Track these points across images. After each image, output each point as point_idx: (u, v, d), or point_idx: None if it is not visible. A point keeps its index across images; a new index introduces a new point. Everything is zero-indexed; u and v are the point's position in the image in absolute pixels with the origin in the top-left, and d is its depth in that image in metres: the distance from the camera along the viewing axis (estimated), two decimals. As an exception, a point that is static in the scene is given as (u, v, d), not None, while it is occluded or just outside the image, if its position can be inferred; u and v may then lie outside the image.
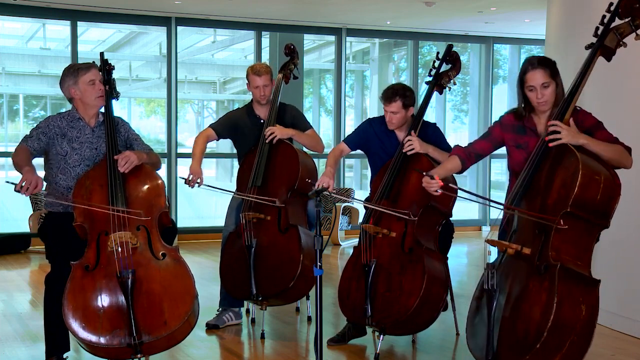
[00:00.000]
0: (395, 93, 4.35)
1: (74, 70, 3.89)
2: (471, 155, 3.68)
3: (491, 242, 3.37)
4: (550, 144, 3.26)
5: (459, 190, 3.95)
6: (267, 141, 4.72)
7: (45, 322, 3.82)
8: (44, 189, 3.75)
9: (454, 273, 4.81)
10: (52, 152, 3.88)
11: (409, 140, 4.27)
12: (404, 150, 4.29)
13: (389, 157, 4.40)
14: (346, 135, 4.65)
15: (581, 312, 3.04)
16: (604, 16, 3.35)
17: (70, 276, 3.58)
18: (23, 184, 3.48)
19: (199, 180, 4.60)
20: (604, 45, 3.34)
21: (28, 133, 3.86)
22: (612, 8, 3.33)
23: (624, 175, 4.82)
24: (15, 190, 3.51)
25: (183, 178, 4.64)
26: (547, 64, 3.45)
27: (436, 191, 3.51)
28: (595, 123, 3.42)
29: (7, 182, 3.56)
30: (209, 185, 4.67)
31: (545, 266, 3.11)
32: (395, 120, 4.39)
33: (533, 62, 3.44)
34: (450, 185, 3.47)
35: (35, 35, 11.41)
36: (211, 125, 4.93)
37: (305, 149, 5.13)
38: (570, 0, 5.78)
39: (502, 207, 3.37)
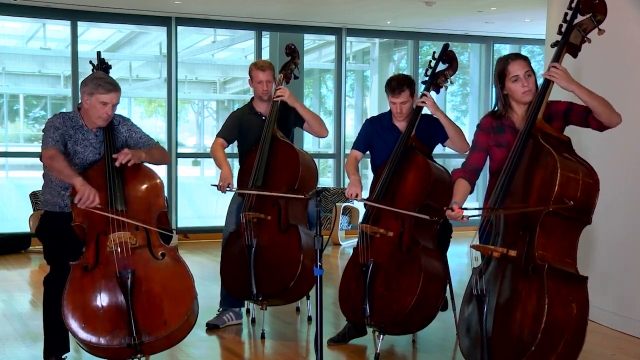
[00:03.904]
0: (403, 83, 4.40)
1: (95, 85, 3.76)
2: (472, 172, 3.66)
3: (476, 248, 3.37)
4: (544, 75, 3.35)
5: (475, 209, 3.89)
6: (275, 99, 4.77)
7: (45, 323, 3.82)
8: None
9: (454, 273, 4.82)
10: None
11: (424, 96, 4.31)
12: (417, 104, 4.34)
13: (391, 150, 4.40)
14: (353, 143, 4.69)
15: (572, 310, 3.04)
16: (566, 13, 3.40)
17: (70, 276, 3.58)
18: (82, 196, 3.52)
19: (229, 186, 4.65)
20: (569, 42, 3.39)
21: (50, 135, 3.73)
22: (573, 5, 3.38)
23: (623, 177, 4.84)
24: (72, 202, 3.59)
25: (215, 185, 4.70)
26: (524, 57, 3.56)
27: (462, 218, 3.45)
28: (569, 102, 3.48)
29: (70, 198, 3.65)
30: (239, 189, 4.70)
31: (532, 267, 3.11)
32: (405, 109, 4.43)
33: (511, 56, 3.54)
34: (471, 210, 3.46)
35: (35, 35, 11.41)
36: (219, 135, 4.94)
37: (305, 149, 5.13)
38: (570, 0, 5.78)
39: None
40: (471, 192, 3.69)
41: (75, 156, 3.85)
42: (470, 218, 3.45)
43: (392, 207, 4.21)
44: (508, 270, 3.24)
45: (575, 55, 3.42)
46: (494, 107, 3.67)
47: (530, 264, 3.12)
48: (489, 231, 3.43)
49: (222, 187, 4.66)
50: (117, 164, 3.71)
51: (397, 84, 4.39)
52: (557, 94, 3.48)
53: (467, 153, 3.73)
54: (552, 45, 3.46)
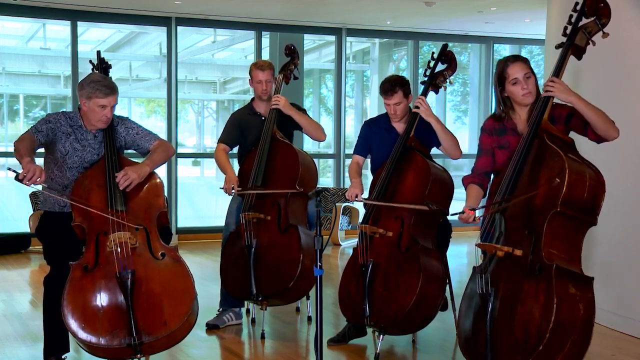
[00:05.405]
0: (395, 84, 4.40)
1: (93, 88, 3.76)
2: (481, 176, 3.68)
3: (482, 246, 3.37)
4: (543, 94, 3.37)
5: (483, 204, 3.91)
6: (272, 108, 4.79)
7: (45, 323, 3.82)
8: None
9: (454, 273, 4.82)
10: (52, 148, 3.86)
11: (419, 100, 4.32)
12: (412, 109, 4.35)
13: (389, 152, 4.41)
14: (354, 148, 4.70)
15: (579, 310, 3.05)
16: (571, 15, 3.40)
17: (70, 276, 3.58)
18: (26, 173, 3.39)
19: (233, 189, 4.70)
20: (575, 44, 3.39)
21: (37, 125, 3.80)
22: (578, 7, 3.38)
23: (623, 178, 4.84)
24: (16, 179, 3.41)
25: (222, 188, 4.76)
26: (523, 58, 3.56)
27: (474, 219, 3.48)
28: (572, 108, 3.48)
29: (9, 169, 3.50)
30: (242, 190, 4.74)
31: (539, 267, 3.11)
32: (399, 111, 4.43)
33: (510, 58, 3.55)
34: (478, 208, 3.48)
35: (35, 35, 11.41)
36: (220, 140, 4.98)
37: (305, 149, 5.13)
38: (570, 0, 5.78)
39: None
40: (484, 196, 3.71)
41: (74, 154, 3.85)
42: (481, 218, 3.47)
43: (390, 203, 4.21)
44: (512, 269, 3.24)
45: (579, 58, 3.43)
46: (495, 110, 3.68)
47: (537, 263, 3.12)
48: (491, 232, 3.43)
49: (227, 190, 4.71)
50: (120, 187, 3.70)
51: (390, 86, 4.40)
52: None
53: (475, 158, 3.74)
54: (557, 47, 3.46)
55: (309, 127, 4.91)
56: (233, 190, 4.71)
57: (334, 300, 5.03)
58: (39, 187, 3.59)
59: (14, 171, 3.45)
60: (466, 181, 3.72)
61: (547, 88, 3.34)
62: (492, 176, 3.70)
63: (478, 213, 3.45)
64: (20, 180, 3.40)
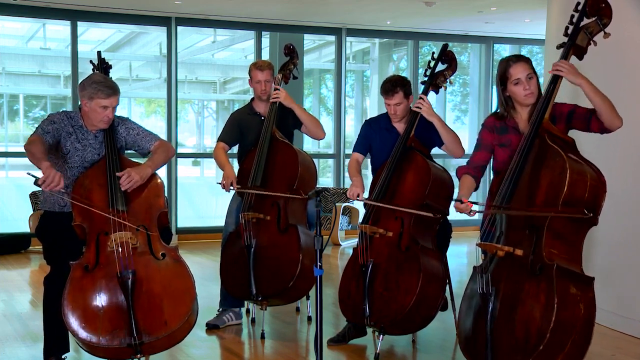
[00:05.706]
0: (396, 84, 4.40)
1: (95, 89, 3.76)
2: (477, 169, 3.69)
3: (482, 246, 3.38)
4: (551, 72, 3.38)
5: (481, 204, 3.91)
6: (272, 101, 4.79)
7: (45, 323, 3.82)
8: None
9: (454, 273, 4.82)
10: (54, 147, 3.85)
11: (420, 100, 4.31)
12: (412, 108, 4.36)
13: (389, 151, 4.41)
14: (353, 146, 4.70)
15: (580, 310, 3.05)
16: (572, 15, 3.40)
17: (70, 276, 3.57)
18: (46, 179, 3.40)
19: (232, 185, 4.70)
20: (576, 44, 3.40)
21: (43, 126, 3.78)
22: (580, 7, 3.38)
23: (623, 178, 4.84)
24: (35, 183, 3.42)
25: (219, 183, 4.74)
26: (526, 58, 3.57)
27: (470, 212, 3.50)
28: (573, 105, 3.50)
29: (28, 173, 3.48)
30: (241, 188, 4.73)
31: (540, 267, 3.11)
32: (400, 111, 4.43)
33: (512, 59, 3.55)
34: (478, 203, 3.49)
35: (35, 35, 11.42)
36: (220, 139, 4.98)
37: (305, 149, 5.13)
38: (570, 0, 5.78)
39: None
40: (476, 189, 3.71)
41: (75, 153, 3.85)
42: (476, 213, 3.47)
43: (392, 205, 4.22)
44: (512, 269, 3.24)
45: (581, 58, 3.43)
46: (496, 109, 3.68)
47: (538, 263, 3.12)
48: (492, 231, 3.43)
49: (225, 185, 4.70)
50: (123, 188, 3.70)
51: (391, 86, 4.40)
52: (560, 96, 3.48)
53: (472, 151, 3.74)
54: (558, 47, 3.46)
55: (310, 123, 4.91)
56: (231, 187, 4.71)
57: (334, 300, 5.03)
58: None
59: (33, 176, 3.45)
60: (460, 171, 3.72)
61: (558, 67, 3.34)
62: (487, 171, 3.71)
63: (476, 208, 3.45)
64: (39, 186, 3.44)
